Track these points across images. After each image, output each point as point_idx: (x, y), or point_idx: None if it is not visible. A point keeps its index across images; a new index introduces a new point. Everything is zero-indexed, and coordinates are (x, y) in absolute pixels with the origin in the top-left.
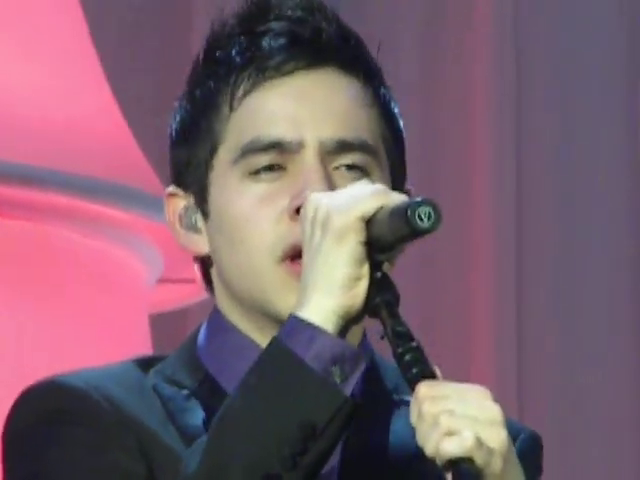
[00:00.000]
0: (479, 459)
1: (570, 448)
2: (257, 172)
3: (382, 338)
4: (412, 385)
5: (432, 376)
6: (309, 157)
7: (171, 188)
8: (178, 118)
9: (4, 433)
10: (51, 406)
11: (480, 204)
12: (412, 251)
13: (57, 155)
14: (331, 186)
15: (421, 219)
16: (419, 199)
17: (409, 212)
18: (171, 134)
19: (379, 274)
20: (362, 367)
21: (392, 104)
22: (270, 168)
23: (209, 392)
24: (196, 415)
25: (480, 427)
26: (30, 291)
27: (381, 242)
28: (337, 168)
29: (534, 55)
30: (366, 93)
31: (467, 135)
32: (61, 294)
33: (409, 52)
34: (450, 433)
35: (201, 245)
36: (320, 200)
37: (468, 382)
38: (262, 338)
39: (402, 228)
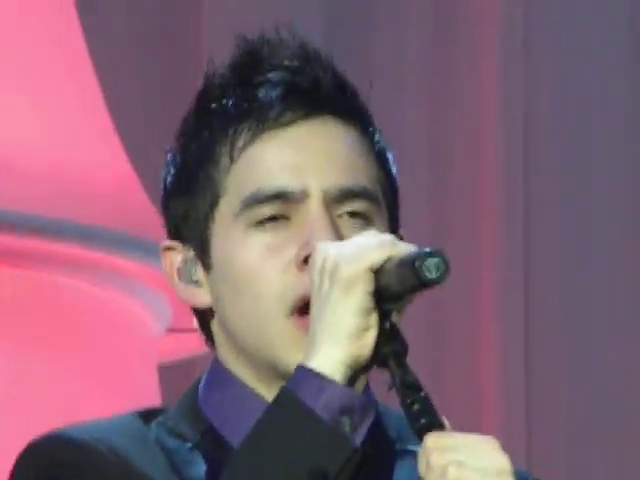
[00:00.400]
0: None
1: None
2: (261, 223)
3: (390, 388)
4: (420, 436)
5: (440, 427)
6: (314, 206)
7: (168, 242)
8: (172, 171)
9: None
10: (55, 460)
11: (488, 246)
12: (419, 298)
13: (65, 204)
14: (337, 234)
15: (429, 271)
16: (427, 250)
17: (417, 263)
18: (165, 187)
19: (387, 324)
20: (371, 417)
21: (387, 151)
22: (274, 218)
23: (211, 444)
24: (200, 467)
25: (489, 478)
26: (37, 341)
27: (389, 292)
28: (340, 216)
29: (541, 114)
30: (363, 141)
31: (476, 173)
32: (69, 344)
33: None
34: None
35: (202, 297)
36: (328, 250)
37: (477, 431)
38: (265, 390)
39: (410, 279)
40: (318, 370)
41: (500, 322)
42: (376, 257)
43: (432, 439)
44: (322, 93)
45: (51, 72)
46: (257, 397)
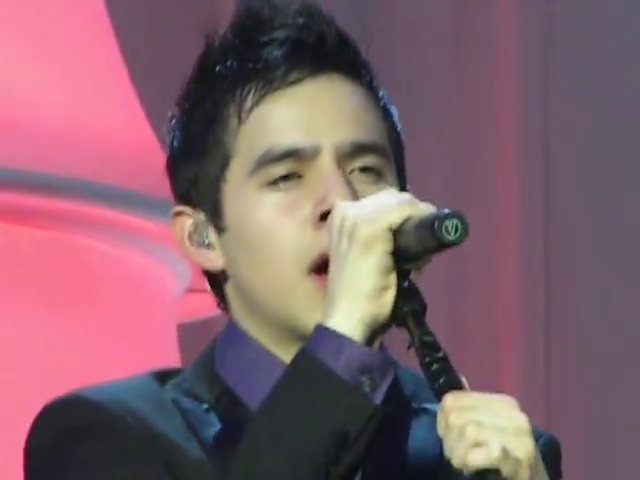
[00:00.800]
0: (506, 470)
1: (598, 451)
2: (275, 182)
3: (409, 348)
4: (439, 396)
5: (459, 387)
6: (327, 162)
7: (178, 207)
8: (179, 135)
9: (26, 449)
10: (73, 422)
11: (508, 214)
12: (438, 257)
13: (86, 165)
14: (352, 190)
15: (448, 232)
16: (447, 211)
17: (436, 224)
18: (172, 152)
19: (406, 283)
20: (391, 376)
21: (391, 107)
22: (287, 177)
23: (227, 405)
24: (217, 427)
25: (507, 438)
26: (58, 300)
27: (408, 252)
28: (352, 172)
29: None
30: (369, 97)
31: (495, 149)
32: (89, 303)
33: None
34: (477, 444)
35: (215, 260)
36: (347, 210)
37: (496, 391)
38: (282, 351)
39: (429, 240)
40: (337, 329)
41: (520, 279)
42: (395, 217)
43: (450, 399)
44: (327, 49)
45: (70, 34)
46: (274, 358)
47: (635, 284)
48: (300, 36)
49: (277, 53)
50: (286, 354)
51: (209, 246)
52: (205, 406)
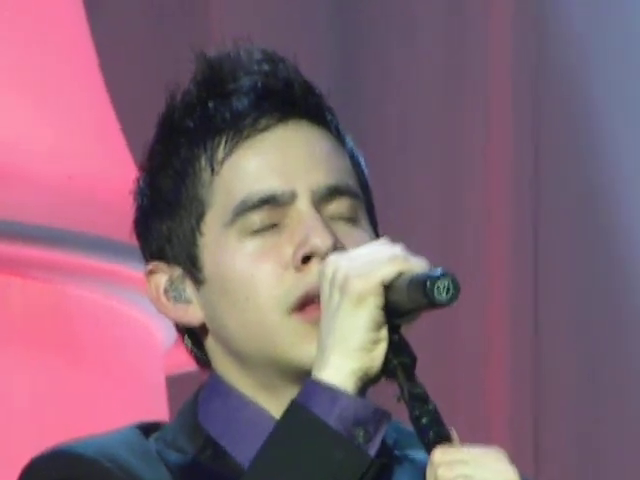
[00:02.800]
0: None
1: None
2: (256, 231)
3: (398, 400)
4: (428, 449)
5: (448, 439)
6: (304, 206)
7: (151, 265)
8: (149, 193)
9: None
10: (60, 476)
11: (499, 275)
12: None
13: (75, 215)
14: (332, 231)
15: (439, 292)
16: (439, 272)
17: (428, 284)
18: (142, 212)
19: (396, 337)
20: (385, 427)
21: (357, 155)
22: (267, 224)
23: (212, 456)
24: (201, 478)
25: None
26: (47, 351)
27: (399, 308)
28: (328, 215)
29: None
30: (337, 142)
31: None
32: (78, 354)
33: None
34: None
35: (193, 314)
36: (339, 262)
37: (486, 441)
38: (267, 399)
39: (420, 298)
40: (329, 382)
41: (510, 335)
42: (387, 272)
43: (439, 453)
44: (294, 95)
45: (62, 83)
46: (258, 408)
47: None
48: (267, 83)
49: (245, 101)
50: (272, 402)
51: (187, 301)
52: (189, 458)
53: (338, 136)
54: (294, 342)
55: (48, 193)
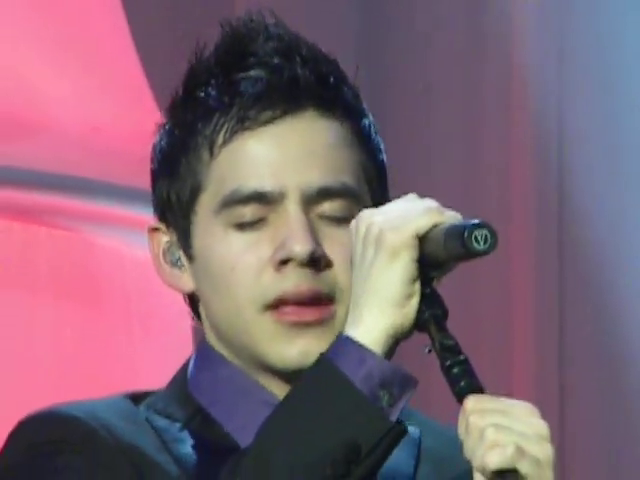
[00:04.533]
0: (525, 471)
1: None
2: (243, 225)
3: (429, 351)
4: (459, 398)
5: (480, 390)
6: (291, 206)
7: (154, 223)
8: (158, 149)
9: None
10: (47, 437)
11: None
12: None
13: (100, 165)
14: (313, 236)
15: (477, 241)
16: (476, 221)
17: (466, 233)
18: (152, 166)
19: (429, 289)
20: (411, 392)
21: (373, 137)
22: (255, 219)
23: (201, 424)
24: (190, 444)
25: (526, 441)
26: (72, 300)
27: (434, 260)
28: (319, 216)
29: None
30: (346, 132)
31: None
32: (103, 304)
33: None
34: (495, 446)
35: (185, 282)
36: (372, 217)
37: (507, 393)
38: (253, 373)
39: (457, 248)
40: (361, 340)
41: (534, 294)
42: (422, 224)
43: (471, 401)
44: (301, 89)
45: (87, 34)
46: (248, 378)
47: None
48: (273, 77)
49: (252, 91)
50: (259, 376)
51: (181, 268)
52: (178, 425)
53: (349, 125)
54: (265, 340)
55: (73, 143)
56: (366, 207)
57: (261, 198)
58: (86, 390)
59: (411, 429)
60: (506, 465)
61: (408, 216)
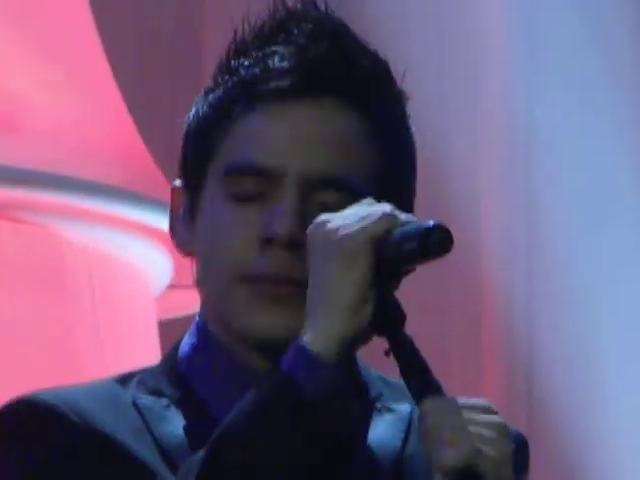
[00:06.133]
0: (483, 468)
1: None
2: (240, 196)
3: (387, 354)
4: (417, 400)
5: (438, 391)
6: (287, 188)
7: (178, 182)
8: (192, 116)
9: None
10: (25, 424)
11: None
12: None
13: (68, 160)
14: (302, 221)
15: (434, 243)
16: (431, 223)
17: (421, 236)
18: (184, 128)
19: (385, 294)
20: (354, 402)
21: (401, 144)
22: (253, 193)
23: (189, 404)
24: (175, 424)
25: (483, 438)
26: (38, 294)
27: (390, 264)
28: (317, 204)
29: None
30: (364, 128)
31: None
32: (68, 297)
33: None
34: (451, 445)
35: (189, 244)
36: (328, 222)
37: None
38: (242, 349)
39: (413, 252)
40: (314, 348)
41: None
42: (377, 229)
43: (428, 403)
44: (326, 75)
45: (60, 34)
46: (237, 360)
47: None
48: (299, 56)
49: (278, 67)
50: (240, 350)
51: (189, 229)
52: (165, 402)
53: (370, 118)
54: (240, 308)
55: (41, 139)
56: None
57: (261, 172)
58: (50, 378)
59: (403, 406)
60: (463, 464)
61: (363, 221)
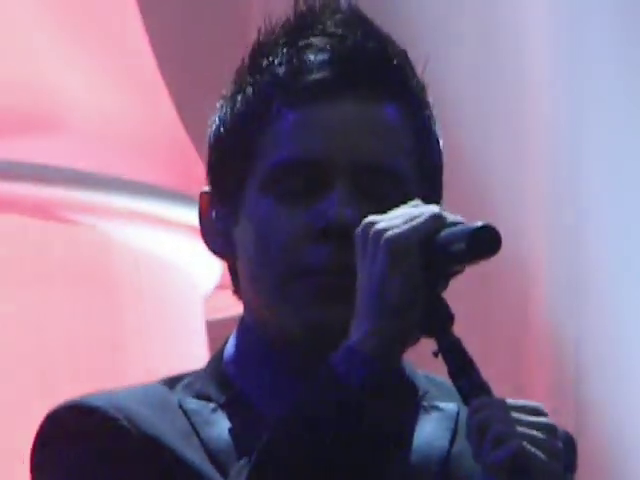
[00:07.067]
0: (532, 465)
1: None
2: (288, 193)
3: (436, 355)
4: (466, 399)
5: (487, 392)
6: (339, 179)
7: (207, 188)
8: (218, 121)
9: (31, 460)
10: (72, 428)
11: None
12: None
13: (120, 162)
14: (357, 213)
15: (481, 243)
16: (480, 224)
17: (469, 236)
18: (211, 135)
19: (433, 295)
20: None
21: (432, 131)
22: (303, 190)
23: (236, 407)
24: (221, 427)
25: (532, 436)
26: (88, 296)
27: (438, 265)
28: (366, 194)
29: None
30: (404, 118)
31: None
32: (117, 300)
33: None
34: (501, 442)
35: (228, 249)
36: (377, 223)
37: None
38: (291, 350)
39: (462, 252)
40: (362, 348)
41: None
42: (427, 229)
43: (477, 402)
44: (364, 65)
45: (103, 27)
46: (280, 355)
47: None
48: (337, 47)
49: (316, 60)
50: (293, 354)
51: (227, 235)
52: (212, 406)
53: (407, 111)
54: (298, 305)
55: (90, 140)
56: (413, 197)
57: (310, 166)
58: (97, 380)
59: (450, 405)
60: (512, 462)
61: (412, 222)
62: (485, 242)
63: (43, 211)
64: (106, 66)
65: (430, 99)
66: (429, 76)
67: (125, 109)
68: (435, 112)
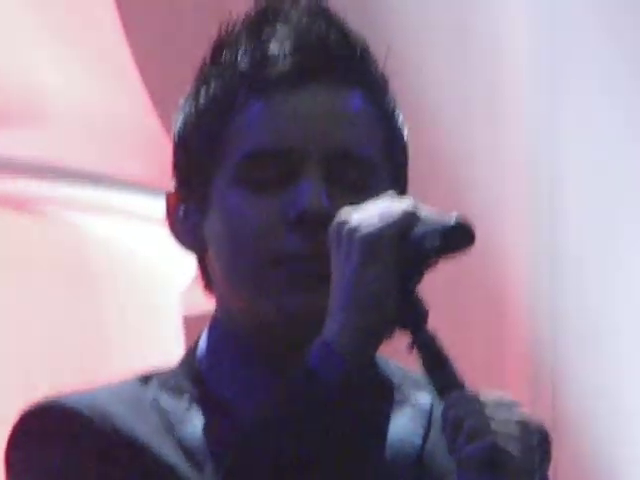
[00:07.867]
0: (506, 459)
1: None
2: (258, 182)
3: (411, 350)
4: (441, 394)
5: (460, 385)
6: (310, 166)
7: (173, 187)
8: (182, 118)
9: (5, 459)
10: (45, 428)
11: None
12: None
13: (96, 155)
14: (330, 199)
15: (455, 237)
16: (453, 220)
17: (443, 233)
18: (175, 134)
19: (408, 289)
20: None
21: (397, 118)
22: (273, 178)
23: (210, 402)
24: (195, 424)
25: (507, 430)
26: (65, 291)
27: (412, 259)
28: (337, 180)
29: None
30: (369, 105)
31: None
32: (95, 293)
33: None
34: (474, 437)
35: (199, 242)
36: (350, 216)
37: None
38: (260, 343)
39: (435, 248)
40: (338, 342)
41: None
42: (400, 226)
43: (452, 396)
44: (328, 54)
45: (80, 21)
46: (253, 353)
47: None
48: (301, 37)
49: (279, 51)
50: (266, 346)
51: (195, 228)
52: (186, 402)
53: (372, 98)
54: (273, 293)
55: (67, 133)
56: (384, 183)
57: (280, 155)
58: (76, 374)
59: (423, 400)
60: (486, 456)
61: (385, 216)
62: (458, 237)
63: (19, 204)
64: (83, 58)
65: (393, 88)
66: (405, 66)
67: (101, 101)
68: (399, 100)
